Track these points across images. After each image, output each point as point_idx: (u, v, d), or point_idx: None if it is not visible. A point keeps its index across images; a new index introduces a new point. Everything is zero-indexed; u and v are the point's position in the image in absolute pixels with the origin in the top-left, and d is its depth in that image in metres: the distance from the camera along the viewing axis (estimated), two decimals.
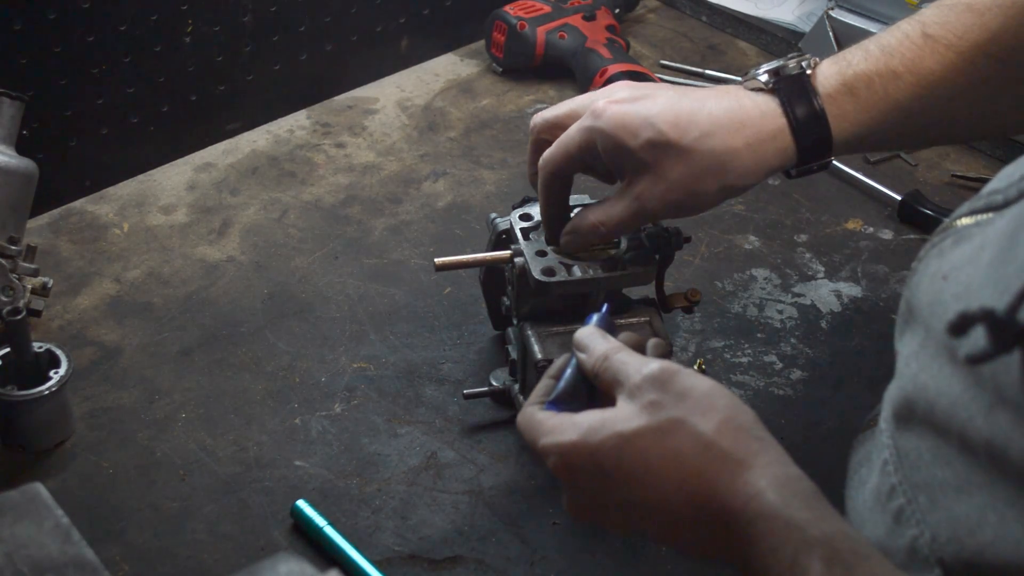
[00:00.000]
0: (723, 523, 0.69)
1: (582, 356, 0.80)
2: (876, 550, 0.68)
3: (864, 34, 1.38)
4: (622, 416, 0.73)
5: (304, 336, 1.11)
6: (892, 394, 0.76)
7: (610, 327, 0.82)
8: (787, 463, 0.70)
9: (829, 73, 0.91)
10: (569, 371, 0.80)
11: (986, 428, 0.63)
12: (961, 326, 0.63)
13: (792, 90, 0.90)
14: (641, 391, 0.73)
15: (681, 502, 0.71)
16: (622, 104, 0.90)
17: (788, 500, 0.68)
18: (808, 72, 0.91)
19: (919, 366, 0.71)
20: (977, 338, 0.62)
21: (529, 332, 0.97)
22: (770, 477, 0.69)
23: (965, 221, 0.72)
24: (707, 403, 0.72)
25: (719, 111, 0.90)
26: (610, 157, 0.91)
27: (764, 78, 0.91)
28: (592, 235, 0.95)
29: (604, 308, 0.85)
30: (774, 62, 0.92)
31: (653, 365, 0.74)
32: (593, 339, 0.80)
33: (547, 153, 0.94)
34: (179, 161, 1.32)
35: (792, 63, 0.91)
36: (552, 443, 0.74)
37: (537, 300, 0.98)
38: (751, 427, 0.72)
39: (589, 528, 0.95)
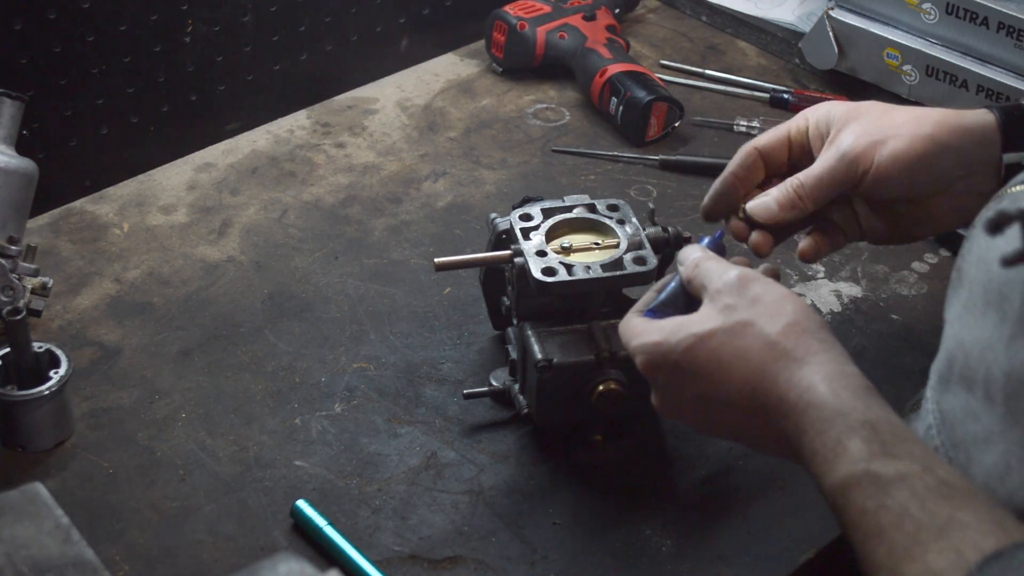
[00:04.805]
0: (780, 415, 0.76)
1: (680, 267, 0.86)
2: (917, 436, 0.73)
3: (864, 34, 1.39)
4: (699, 318, 0.81)
5: (304, 336, 1.11)
6: (938, 358, 0.81)
7: (719, 250, 0.88)
8: (844, 362, 0.77)
9: None
10: (672, 284, 0.87)
11: (1006, 360, 0.69)
12: (998, 224, 0.71)
13: (1009, 108, 0.93)
14: (720, 295, 0.81)
15: (745, 396, 0.78)
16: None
17: (837, 391, 0.74)
18: None
19: (961, 325, 0.77)
20: (1012, 238, 0.70)
21: (529, 332, 0.97)
22: (823, 372, 0.76)
23: (1018, 188, 0.77)
24: (776, 308, 0.79)
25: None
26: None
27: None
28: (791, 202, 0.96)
29: (718, 232, 0.91)
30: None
31: (733, 272, 0.82)
32: (692, 250, 0.88)
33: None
34: (179, 161, 1.32)
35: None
36: (639, 344, 0.83)
37: (537, 300, 0.98)
38: (816, 331, 0.79)
39: (589, 528, 0.95)
